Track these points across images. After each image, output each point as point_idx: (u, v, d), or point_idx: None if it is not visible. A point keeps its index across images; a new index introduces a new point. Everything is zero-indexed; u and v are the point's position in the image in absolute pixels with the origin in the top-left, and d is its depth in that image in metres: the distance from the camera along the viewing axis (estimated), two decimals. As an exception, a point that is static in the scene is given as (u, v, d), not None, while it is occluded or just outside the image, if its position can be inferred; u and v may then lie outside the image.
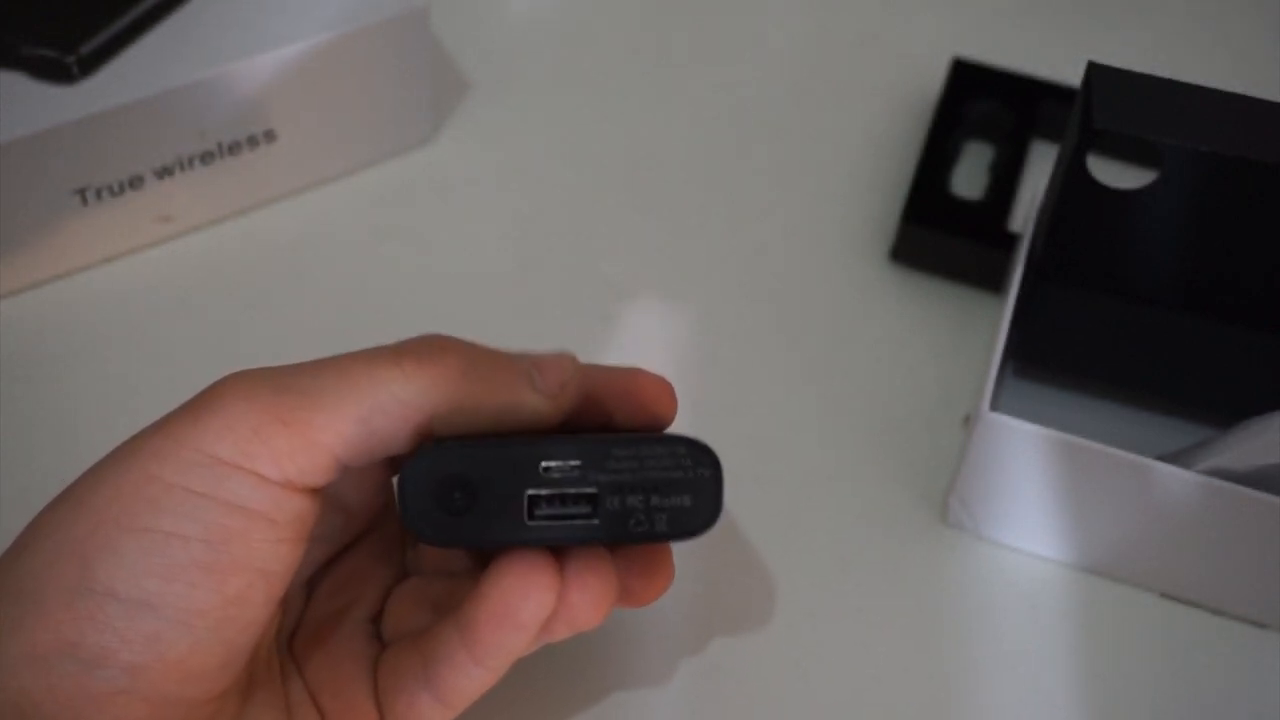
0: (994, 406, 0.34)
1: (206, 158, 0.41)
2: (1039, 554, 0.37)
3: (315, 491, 0.25)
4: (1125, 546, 0.35)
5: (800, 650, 0.35)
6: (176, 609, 0.23)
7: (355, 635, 0.28)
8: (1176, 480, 0.32)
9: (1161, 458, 0.33)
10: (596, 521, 0.26)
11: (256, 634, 0.25)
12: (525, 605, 0.25)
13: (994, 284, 0.42)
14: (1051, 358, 0.39)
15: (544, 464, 0.25)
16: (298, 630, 0.29)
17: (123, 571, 0.23)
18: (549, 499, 0.25)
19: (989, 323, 0.42)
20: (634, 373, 0.29)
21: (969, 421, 0.38)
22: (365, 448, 0.25)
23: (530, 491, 0.25)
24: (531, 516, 0.25)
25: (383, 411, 0.24)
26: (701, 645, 0.35)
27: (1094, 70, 0.34)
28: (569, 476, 0.25)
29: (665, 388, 0.29)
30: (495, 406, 0.25)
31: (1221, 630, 0.36)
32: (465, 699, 0.27)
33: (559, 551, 0.26)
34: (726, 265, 0.43)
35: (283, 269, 0.42)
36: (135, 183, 0.40)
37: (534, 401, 0.26)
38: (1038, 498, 0.35)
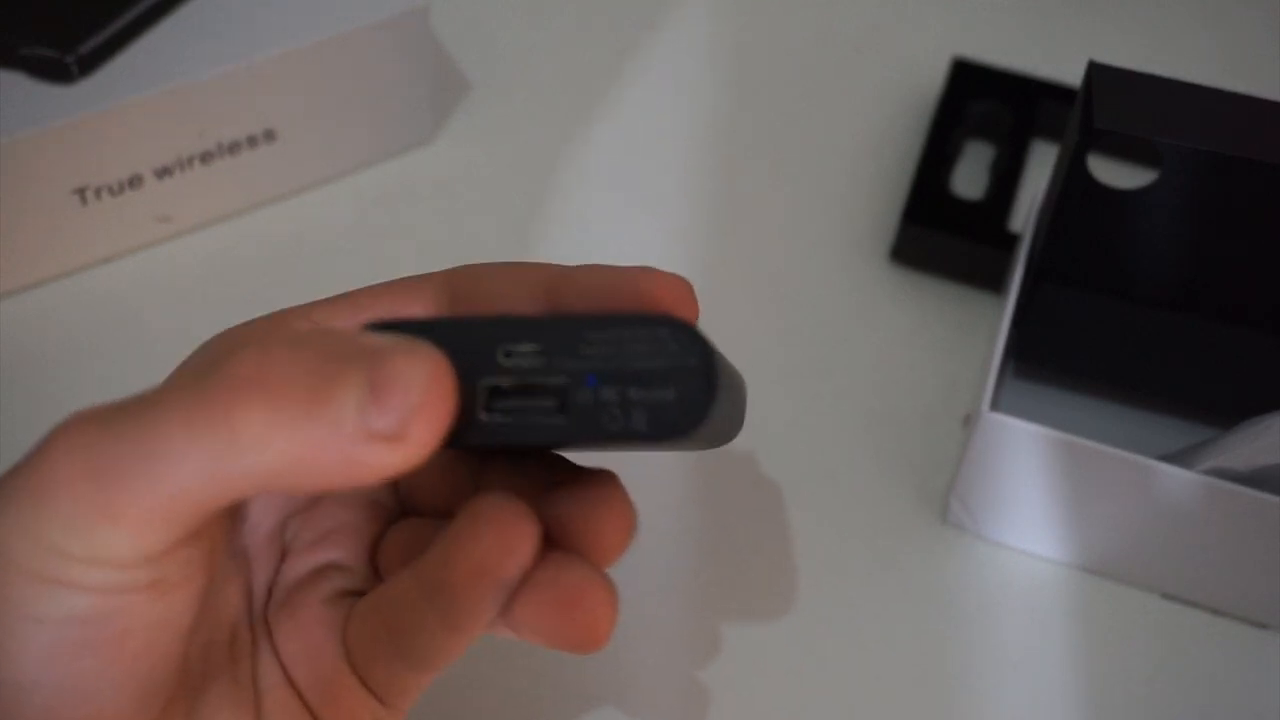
0: (994, 406, 0.34)
1: (206, 157, 0.41)
2: (1039, 554, 0.37)
3: (194, 535, 0.21)
4: (1126, 546, 0.35)
5: (799, 649, 0.35)
6: (65, 685, 0.21)
7: (332, 598, 0.26)
8: (1177, 480, 0.32)
9: (1162, 458, 0.33)
10: (563, 419, 0.22)
11: (179, 656, 0.23)
12: (508, 562, 0.22)
13: (994, 284, 0.42)
14: (1051, 358, 0.39)
15: (503, 349, 0.22)
16: (271, 593, 0.26)
17: None
18: (509, 391, 0.22)
19: (989, 322, 0.42)
20: (641, 275, 0.24)
21: (969, 421, 0.38)
22: (212, 516, 0.21)
23: (486, 382, 0.22)
24: (489, 409, 0.22)
25: (205, 496, 0.20)
26: (700, 645, 0.35)
27: (1095, 70, 0.34)
28: (533, 365, 0.22)
29: (682, 289, 0.24)
30: (316, 483, 0.20)
31: (1222, 630, 0.36)
32: (446, 662, 0.24)
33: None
34: (726, 265, 0.43)
35: (283, 269, 0.42)
36: (135, 182, 0.40)
37: (368, 457, 0.20)
38: (1038, 498, 0.35)
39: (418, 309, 0.26)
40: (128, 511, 0.20)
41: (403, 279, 0.27)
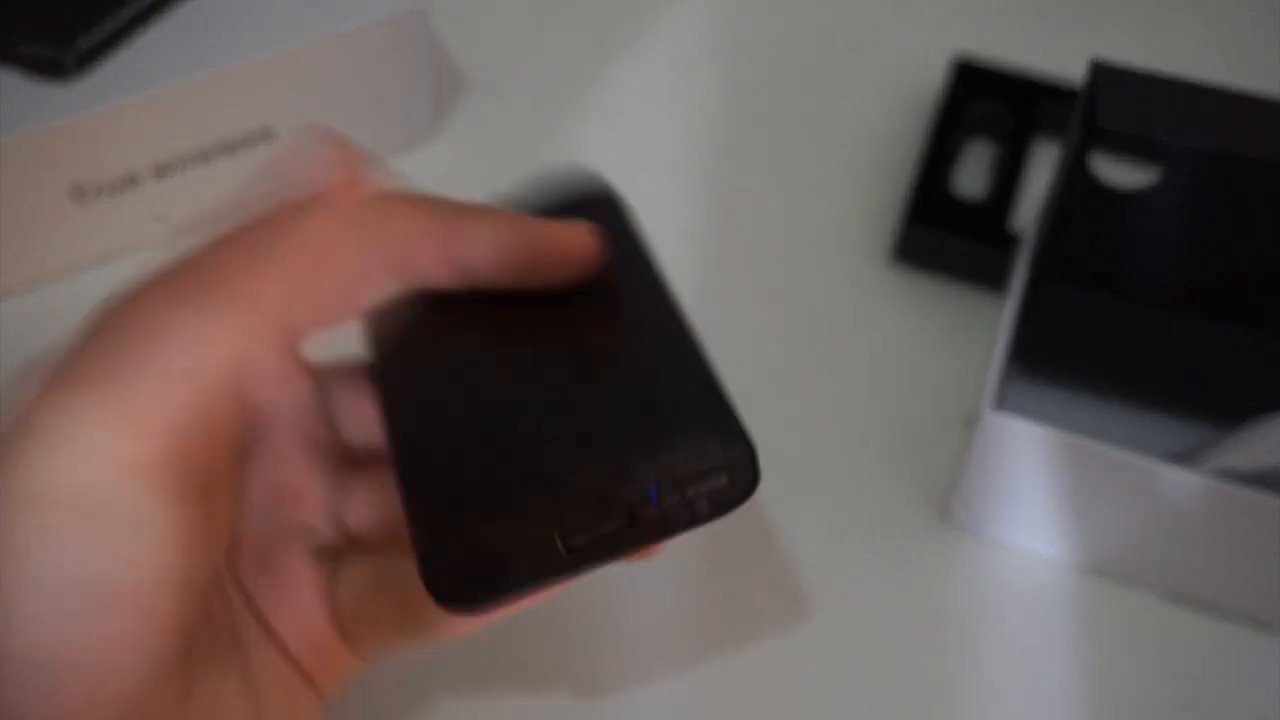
0: (997, 406, 0.34)
1: (204, 156, 0.40)
2: (1042, 555, 0.37)
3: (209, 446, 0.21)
4: (1129, 547, 0.35)
5: (801, 650, 0.35)
6: (76, 656, 0.20)
7: (311, 558, 0.26)
8: (1181, 481, 0.32)
9: (1166, 458, 0.33)
10: (636, 532, 0.24)
11: (180, 622, 0.22)
12: None
13: (996, 284, 0.42)
14: (1054, 358, 0.39)
15: (567, 496, 0.24)
16: (237, 550, 0.25)
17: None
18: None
19: (991, 322, 0.42)
20: (543, 236, 0.26)
21: (971, 421, 0.37)
22: (216, 429, 0.21)
23: (560, 529, 0.24)
24: (569, 549, 0.24)
25: (216, 395, 0.20)
26: (702, 646, 0.34)
27: (1097, 69, 0.34)
28: (597, 501, 0.24)
29: (583, 248, 0.26)
30: (343, 306, 0.22)
31: (1226, 632, 0.36)
32: (453, 634, 0.25)
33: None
34: (727, 265, 0.43)
35: (281, 269, 0.42)
36: (132, 181, 0.40)
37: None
38: (1041, 498, 0.35)
39: (341, 269, 0.25)
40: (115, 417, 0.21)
41: (297, 208, 0.25)
